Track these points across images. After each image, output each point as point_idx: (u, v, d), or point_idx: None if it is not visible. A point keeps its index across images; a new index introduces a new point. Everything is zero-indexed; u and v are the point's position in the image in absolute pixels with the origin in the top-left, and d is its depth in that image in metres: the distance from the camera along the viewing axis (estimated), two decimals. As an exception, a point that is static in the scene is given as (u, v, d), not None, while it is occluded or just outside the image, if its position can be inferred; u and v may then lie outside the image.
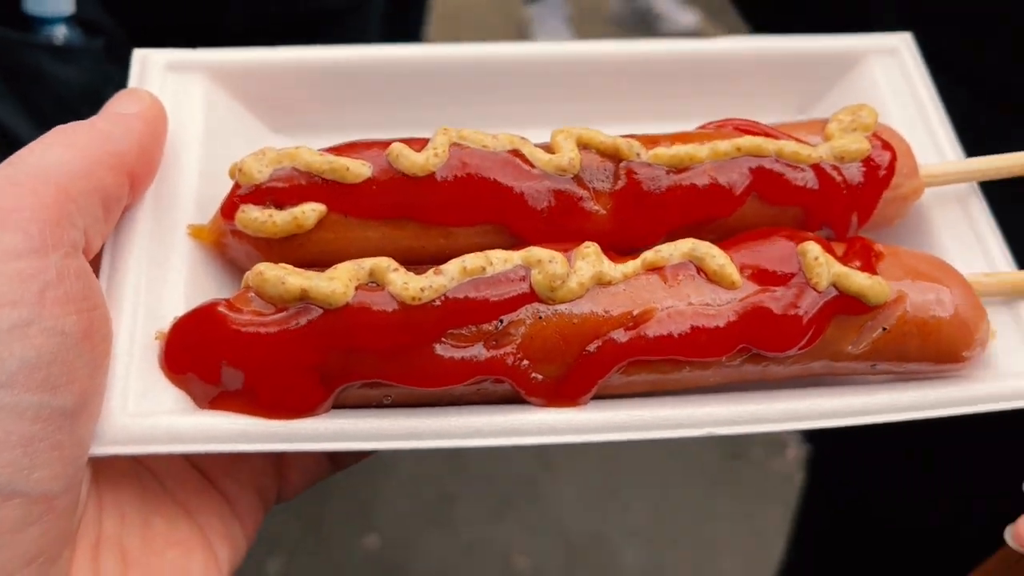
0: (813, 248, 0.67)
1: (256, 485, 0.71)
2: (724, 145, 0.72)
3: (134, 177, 0.66)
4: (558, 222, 0.70)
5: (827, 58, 0.89)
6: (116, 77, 1.36)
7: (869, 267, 0.68)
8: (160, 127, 0.70)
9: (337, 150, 0.69)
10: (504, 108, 0.85)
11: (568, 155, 0.70)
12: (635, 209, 0.71)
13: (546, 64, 0.85)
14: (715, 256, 0.67)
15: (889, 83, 0.86)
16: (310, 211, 0.67)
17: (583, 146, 0.71)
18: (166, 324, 0.65)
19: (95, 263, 0.64)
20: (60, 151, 0.60)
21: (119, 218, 0.67)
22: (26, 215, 0.55)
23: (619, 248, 0.70)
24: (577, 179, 0.70)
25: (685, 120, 0.81)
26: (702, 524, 3.28)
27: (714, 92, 0.88)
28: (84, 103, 1.20)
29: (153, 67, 0.77)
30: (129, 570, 0.60)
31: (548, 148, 0.71)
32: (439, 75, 0.85)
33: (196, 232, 0.71)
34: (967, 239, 0.78)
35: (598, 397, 0.66)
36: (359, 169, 0.67)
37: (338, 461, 0.77)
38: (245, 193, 0.68)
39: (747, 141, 0.72)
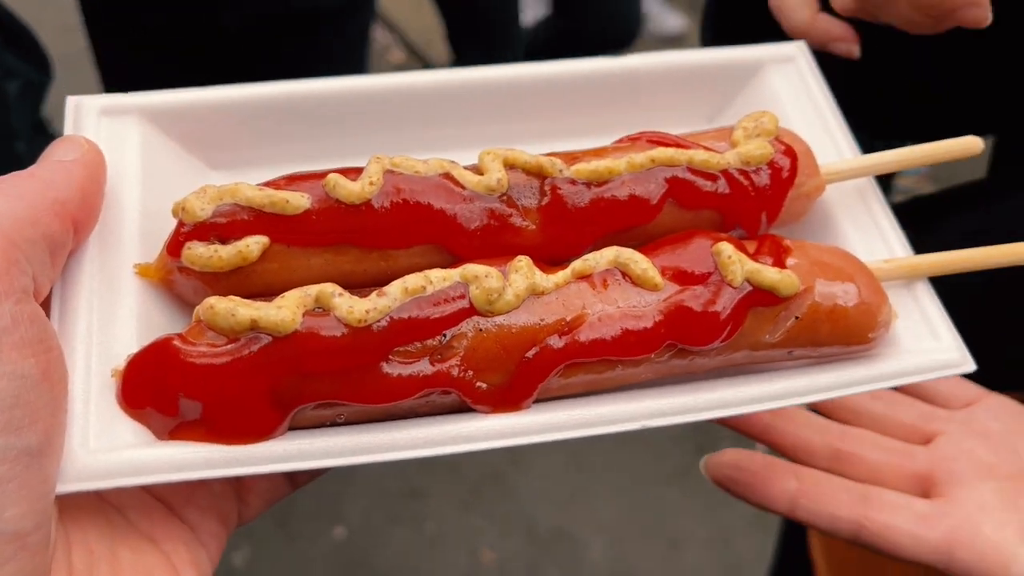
0: (726, 248, 0.72)
1: (217, 511, 0.73)
2: (639, 158, 0.77)
3: (77, 222, 0.68)
4: (491, 239, 0.74)
5: (730, 68, 0.95)
6: (9, 64, 1.36)
7: (779, 262, 0.74)
8: (99, 172, 0.71)
9: (275, 184, 0.72)
10: (432, 133, 0.89)
11: (496, 175, 0.74)
12: (562, 223, 0.76)
13: (470, 89, 0.90)
14: (638, 261, 0.72)
15: (788, 88, 0.93)
16: (254, 244, 0.70)
17: (509, 166, 0.76)
18: (120, 362, 0.67)
19: (44, 308, 0.66)
20: (3, 201, 0.62)
21: (65, 263, 0.69)
22: None
23: (549, 259, 0.75)
24: (506, 197, 0.75)
25: (603, 134, 0.86)
26: (669, 519, 3.32)
27: (628, 107, 0.93)
28: None
29: (87, 113, 0.79)
30: None
31: (476, 170, 0.76)
32: (367, 105, 0.88)
33: (143, 271, 0.73)
34: (868, 229, 0.85)
35: (540, 400, 0.71)
36: (298, 201, 0.70)
37: (295, 480, 0.80)
38: (189, 230, 0.70)
39: (660, 153, 0.77)
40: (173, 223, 0.72)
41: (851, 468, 0.91)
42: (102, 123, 0.79)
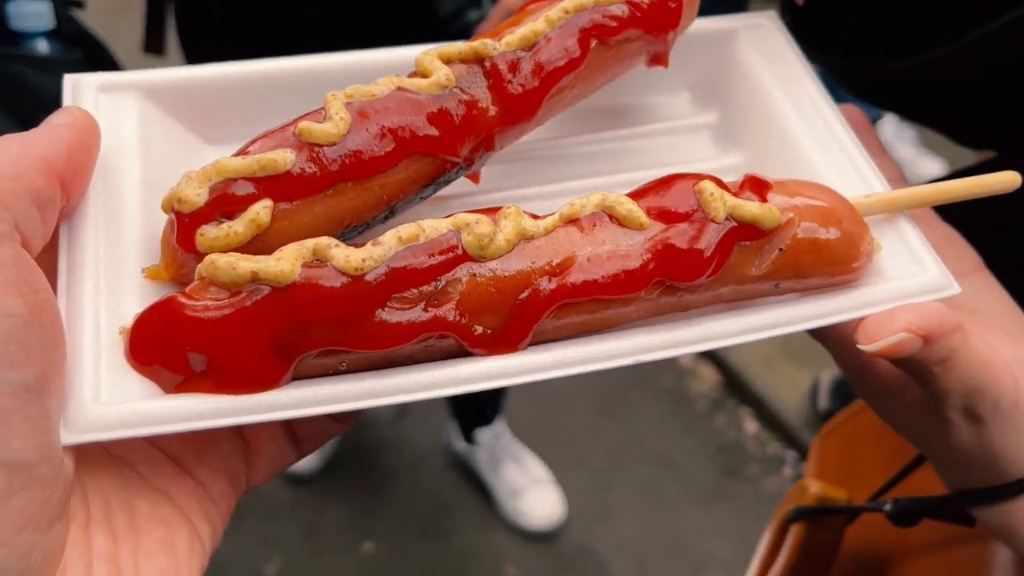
0: (708, 185, 0.75)
1: (226, 471, 0.75)
2: (554, 13, 0.85)
3: (64, 180, 0.70)
4: (460, 131, 0.80)
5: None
6: None
7: (761, 199, 0.76)
8: (89, 136, 0.73)
9: (245, 151, 0.75)
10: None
11: (443, 72, 0.80)
12: (513, 95, 0.82)
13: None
14: (623, 203, 0.74)
15: None
16: (262, 209, 0.72)
17: (447, 61, 0.82)
18: (127, 320, 0.70)
19: (51, 272, 0.69)
20: None
21: (60, 225, 0.71)
22: None
23: (513, 131, 0.83)
24: (458, 89, 0.81)
25: (583, 105, 0.91)
26: (693, 540, 3.32)
27: None
28: None
29: (85, 89, 0.82)
30: (120, 546, 0.64)
31: (420, 75, 0.82)
32: (364, 79, 0.90)
33: (152, 274, 0.75)
34: (847, 171, 0.87)
35: (537, 342, 0.73)
36: (285, 157, 0.73)
37: (300, 448, 0.82)
38: (190, 220, 0.72)
39: (570, 2, 0.85)
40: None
41: None
42: (100, 99, 0.82)
